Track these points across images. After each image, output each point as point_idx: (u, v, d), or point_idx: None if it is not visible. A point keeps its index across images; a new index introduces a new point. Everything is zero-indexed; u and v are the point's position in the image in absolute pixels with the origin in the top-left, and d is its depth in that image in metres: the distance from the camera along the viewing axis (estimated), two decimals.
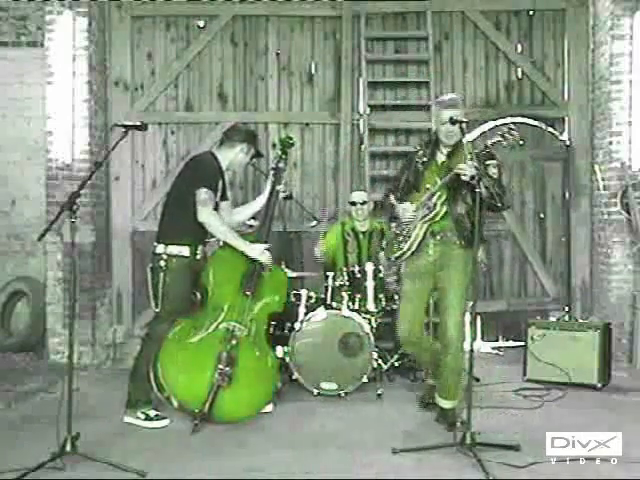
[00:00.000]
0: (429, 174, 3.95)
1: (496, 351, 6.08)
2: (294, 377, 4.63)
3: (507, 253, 6.40)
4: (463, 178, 3.63)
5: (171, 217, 4.12)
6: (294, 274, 5.10)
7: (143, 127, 3.75)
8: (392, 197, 4.08)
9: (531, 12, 6.36)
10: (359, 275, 4.98)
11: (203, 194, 3.97)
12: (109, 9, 6.16)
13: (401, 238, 3.95)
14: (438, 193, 3.84)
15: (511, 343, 6.20)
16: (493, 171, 3.76)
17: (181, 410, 3.99)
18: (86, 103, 5.68)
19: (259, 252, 4.14)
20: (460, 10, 6.36)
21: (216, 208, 4.17)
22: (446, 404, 3.96)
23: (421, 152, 4.03)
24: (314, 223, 5.46)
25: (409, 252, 3.92)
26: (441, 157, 3.98)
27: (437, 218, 3.86)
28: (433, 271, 3.92)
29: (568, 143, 6.28)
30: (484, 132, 6.22)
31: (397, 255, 3.97)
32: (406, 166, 4.10)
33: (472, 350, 3.62)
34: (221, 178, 4.18)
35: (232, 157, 4.25)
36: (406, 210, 3.93)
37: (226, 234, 4.09)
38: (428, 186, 3.90)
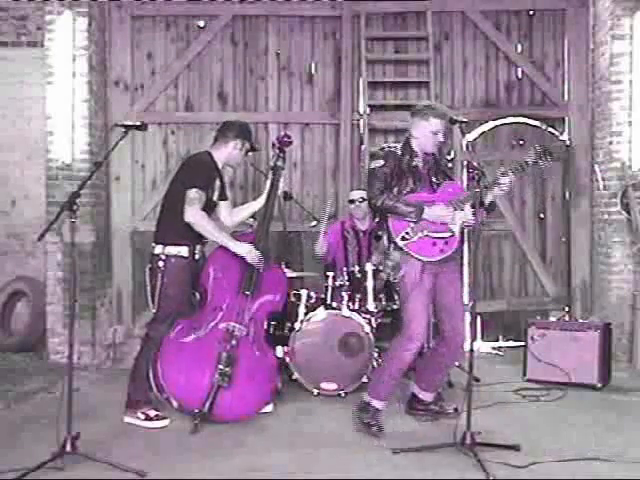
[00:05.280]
0: (424, 177, 3.86)
1: (496, 351, 6.08)
2: (294, 377, 4.63)
3: (507, 253, 6.40)
4: (499, 193, 3.72)
5: (168, 217, 4.10)
6: (294, 274, 5.10)
7: (143, 127, 3.75)
8: (388, 198, 3.78)
9: (531, 12, 6.35)
10: (359, 275, 4.97)
11: (192, 194, 3.94)
12: (109, 9, 6.16)
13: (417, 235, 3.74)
14: (468, 203, 3.73)
15: (511, 343, 6.20)
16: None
17: (181, 410, 4.00)
18: (86, 103, 5.68)
19: (246, 250, 4.09)
20: (460, 10, 6.36)
21: (213, 208, 4.17)
22: (428, 396, 4.06)
23: (399, 154, 3.86)
24: (314, 223, 5.45)
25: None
26: (421, 163, 3.88)
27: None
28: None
29: (568, 143, 6.28)
30: (483, 132, 6.24)
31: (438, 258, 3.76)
32: (392, 166, 3.82)
33: (472, 350, 3.62)
34: (218, 177, 4.17)
35: (227, 154, 4.20)
36: (439, 212, 3.73)
37: (212, 232, 4.02)
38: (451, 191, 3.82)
